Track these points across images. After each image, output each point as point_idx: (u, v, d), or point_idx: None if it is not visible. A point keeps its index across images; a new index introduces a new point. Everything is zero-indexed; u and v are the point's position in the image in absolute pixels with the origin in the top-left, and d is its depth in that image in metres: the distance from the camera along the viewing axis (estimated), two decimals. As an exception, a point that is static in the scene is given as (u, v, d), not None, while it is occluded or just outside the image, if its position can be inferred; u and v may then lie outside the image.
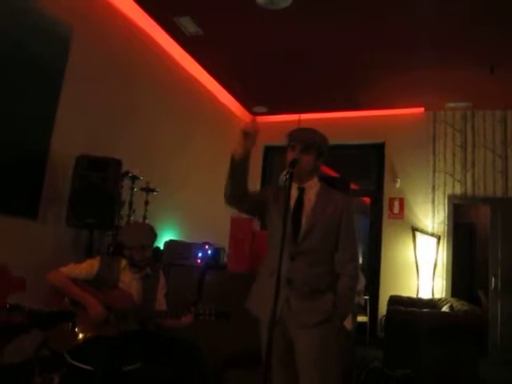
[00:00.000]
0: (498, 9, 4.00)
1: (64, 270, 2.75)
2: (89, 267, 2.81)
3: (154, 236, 2.99)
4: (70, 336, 2.61)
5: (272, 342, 1.86)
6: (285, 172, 2.06)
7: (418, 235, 6.41)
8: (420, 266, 6.26)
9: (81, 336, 2.61)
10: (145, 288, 2.88)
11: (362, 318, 5.93)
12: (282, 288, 1.93)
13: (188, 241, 4.61)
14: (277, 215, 2.15)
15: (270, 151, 7.64)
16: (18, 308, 2.27)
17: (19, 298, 2.53)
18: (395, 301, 5.62)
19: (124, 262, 2.89)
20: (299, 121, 6.73)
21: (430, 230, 6.42)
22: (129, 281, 2.84)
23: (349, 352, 3.51)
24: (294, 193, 2.23)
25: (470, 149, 6.51)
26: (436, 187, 6.55)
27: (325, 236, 2.17)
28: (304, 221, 2.17)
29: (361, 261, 6.56)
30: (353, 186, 7.01)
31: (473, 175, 6.42)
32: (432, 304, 5.49)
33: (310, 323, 2.08)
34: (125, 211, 4.23)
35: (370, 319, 6.09)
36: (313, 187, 2.26)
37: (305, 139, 2.22)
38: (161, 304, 2.94)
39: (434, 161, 6.63)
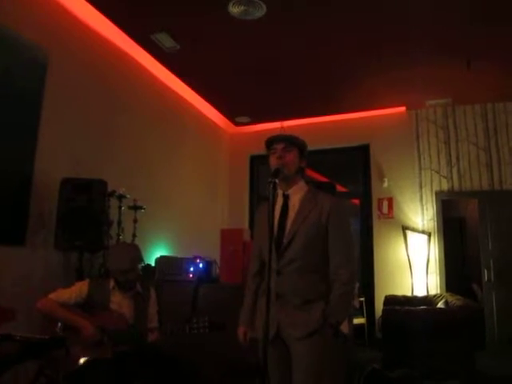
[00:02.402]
0: (471, 3, 4.06)
1: (53, 296, 2.73)
2: (78, 291, 2.79)
3: (137, 259, 2.94)
4: (65, 362, 2.57)
5: (270, 361, 1.86)
6: (268, 182, 1.98)
7: (409, 233, 6.44)
8: (413, 264, 6.27)
9: (76, 360, 2.59)
10: (136, 306, 2.86)
11: (359, 320, 5.95)
12: (272, 305, 1.91)
13: (179, 256, 4.60)
14: (264, 231, 2.09)
15: (255, 160, 7.64)
16: (9, 337, 2.23)
17: (11, 328, 2.49)
18: (391, 300, 5.65)
19: (112, 283, 2.86)
20: (282, 127, 6.76)
21: (420, 227, 6.45)
22: (119, 301, 2.82)
23: (347, 356, 3.50)
24: (280, 201, 2.20)
25: (453, 144, 6.57)
26: (423, 184, 6.59)
27: (309, 243, 2.09)
28: (287, 229, 2.13)
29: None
30: (341, 189, 7.05)
31: (458, 170, 6.47)
32: (427, 301, 5.52)
33: (298, 336, 2.04)
34: (114, 230, 4.21)
35: (368, 320, 6.11)
36: (298, 192, 2.20)
37: (284, 138, 2.20)
38: (152, 321, 2.92)
39: (419, 158, 6.67)
